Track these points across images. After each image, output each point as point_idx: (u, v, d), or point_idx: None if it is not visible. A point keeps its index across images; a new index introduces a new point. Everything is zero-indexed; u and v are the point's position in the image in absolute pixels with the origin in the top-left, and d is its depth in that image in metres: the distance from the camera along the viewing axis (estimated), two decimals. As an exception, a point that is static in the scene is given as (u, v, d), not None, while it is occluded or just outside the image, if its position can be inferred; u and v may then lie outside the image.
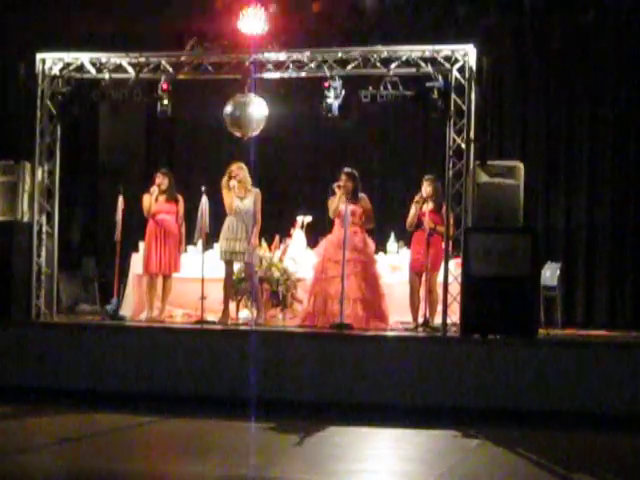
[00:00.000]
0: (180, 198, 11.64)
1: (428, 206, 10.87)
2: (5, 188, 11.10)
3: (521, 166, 10.37)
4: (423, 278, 10.85)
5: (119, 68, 11.18)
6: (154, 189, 11.51)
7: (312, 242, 11.90)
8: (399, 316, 11.20)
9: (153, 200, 11.48)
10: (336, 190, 10.98)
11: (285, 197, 13.58)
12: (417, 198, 10.95)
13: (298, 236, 12.04)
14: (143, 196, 11.56)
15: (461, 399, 9.39)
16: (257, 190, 11.20)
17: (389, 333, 10.55)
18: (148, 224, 11.58)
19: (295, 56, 10.97)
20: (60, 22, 13.54)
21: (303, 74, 11.06)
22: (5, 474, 6.77)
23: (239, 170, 11.17)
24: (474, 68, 10.41)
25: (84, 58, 11.22)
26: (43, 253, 11.21)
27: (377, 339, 10.13)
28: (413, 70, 10.62)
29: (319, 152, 13.96)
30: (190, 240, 11.67)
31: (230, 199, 11.14)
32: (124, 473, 6.99)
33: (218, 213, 11.27)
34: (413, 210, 10.96)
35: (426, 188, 10.95)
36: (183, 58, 11.20)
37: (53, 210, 11.31)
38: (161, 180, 11.56)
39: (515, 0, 13.17)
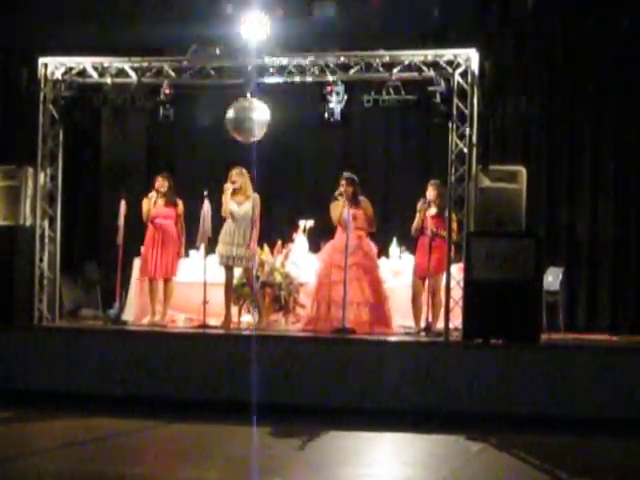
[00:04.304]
0: (179, 202, 11.62)
1: (431, 210, 10.87)
2: (7, 192, 11.11)
3: (523, 171, 10.37)
4: (427, 283, 10.84)
5: (121, 73, 11.19)
6: (153, 194, 11.50)
7: (314, 247, 11.89)
8: (401, 320, 11.20)
9: (152, 204, 11.48)
10: (338, 197, 10.97)
11: (287, 202, 13.57)
12: (420, 205, 10.95)
13: (300, 241, 12.02)
14: (143, 201, 11.56)
15: (463, 404, 9.40)
16: (256, 195, 11.18)
17: (391, 338, 10.54)
18: (148, 228, 11.58)
19: (297, 61, 10.97)
20: (62, 27, 13.54)
21: (305, 79, 11.06)
22: (9, 478, 6.78)
23: (238, 176, 11.16)
24: (476, 72, 10.42)
25: (86, 62, 11.23)
26: (45, 257, 11.21)
27: (379, 344, 10.12)
28: (415, 75, 10.63)
29: (321, 157, 13.93)
30: (192, 244, 11.66)
31: (226, 203, 11.13)
32: (127, 477, 6.99)
33: (220, 218, 11.27)
34: (418, 217, 10.95)
35: (430, 192, 10.95)
36: (185, 63, 11.21)
37: (55, 214, 11.32)
38: (160, 183, 11.54)
39: (517, 4, 13.17)
